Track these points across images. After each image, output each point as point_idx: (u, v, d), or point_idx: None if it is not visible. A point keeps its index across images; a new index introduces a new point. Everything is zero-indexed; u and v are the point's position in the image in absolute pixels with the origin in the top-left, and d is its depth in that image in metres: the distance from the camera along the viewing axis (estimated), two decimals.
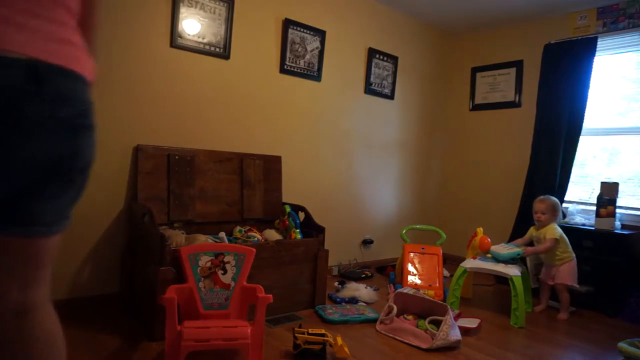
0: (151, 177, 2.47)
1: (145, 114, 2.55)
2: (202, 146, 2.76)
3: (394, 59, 3.90)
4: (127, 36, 2.45)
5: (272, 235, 2.67)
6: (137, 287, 2.27)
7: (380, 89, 3.84)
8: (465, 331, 2.37)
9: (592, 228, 3.13)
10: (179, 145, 2.64)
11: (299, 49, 3.24)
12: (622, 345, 2.12)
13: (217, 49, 2.81)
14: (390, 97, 3.94)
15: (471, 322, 2.50)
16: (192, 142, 2.72)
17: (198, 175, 2.65)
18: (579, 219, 3.31)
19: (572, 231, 3.07)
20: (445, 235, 3.27)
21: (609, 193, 3.11)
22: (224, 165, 2.77)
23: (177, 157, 2.56)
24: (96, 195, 2.37)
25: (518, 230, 3.57)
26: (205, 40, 2.75)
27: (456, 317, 2.46)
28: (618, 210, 3.10)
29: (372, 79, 3.76)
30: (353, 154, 3.73)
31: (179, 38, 2.63)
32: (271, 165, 3.00)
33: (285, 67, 3.17)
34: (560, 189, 3.50)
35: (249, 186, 2.85)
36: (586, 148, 3.60)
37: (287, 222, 2.79)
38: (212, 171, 2.72)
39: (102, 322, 2.17)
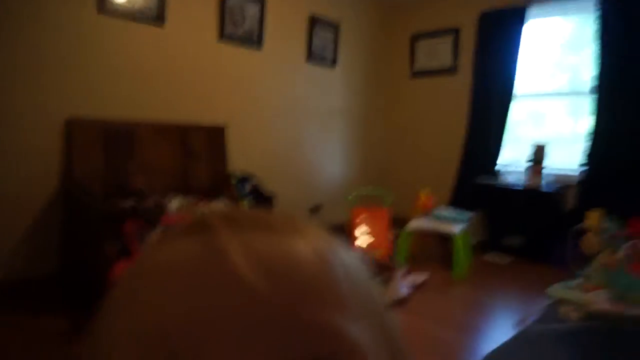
0: (86, 151, 2.33)
1: (77, 84, 2.38)
2: (142, 117, 2.62)
3: (335, 27, 3.88)
4: (52, 1, 2.25)
5: (219, 207, 2.63)
6: (77, 267, 2.17)
7: (322, 57, 3.82)
8: (412, 286, 2.50)
9: (522, 187, 3.36)
10: (116, 117, 2.50)
11: (238, 16, 3.13)
12: (551, 289, 2.32)
13: (150, 16, 2.65)
14: (332, 64, 3.94)
15: (418, 278, 2.62)
16: (130, 113, 2.58)
17: (138, 148, 2.53)
18: (511, 179, 3.54)
19: (504, 190, 3.32)
20: (391, 198, 3.37)
21: (538, 154, 3.34)
22: (165, 137, 2.67)
23: (114, 130, 2.42)
24: (27, 171, 2.21)
25: (458, 192, 3.78)
26: (136, 7, 2.58)
27: (404, 275, 2.57)
28: (546, 170, 3.34)
29: (313, 47, 3.73)
30: (298, 122, 3.71)
31: (107, 3, 2.45)
32: (215, 135, 2.93)
33: (224, 34, 3.06)
34: (494, 152, 3.71)
35: (193, 157, 2.77)
36: (518, 112, 3.80)
37: (234, 193, 2.75)
38: (154, 144, 2.61)
39: (41, 304, 2.06)
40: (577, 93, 3.50)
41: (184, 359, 0.20)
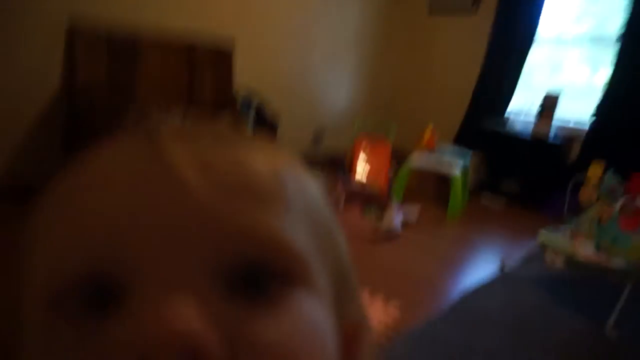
0: (89, 59, 2.27)
1: None
2: (146, 22, 2.51)
3: None
4: None
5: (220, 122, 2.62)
6: None
7: None
8: (405, 220, 2.55)
9: (528, 136, 3.30)
10: (118, 21, 2.39)
11: None
12: (540, 234, 2.35)
13: None
14: None
15: (412, 210, 2.66)
16: (134, 17, 2.47)
17: (143, 60, 2.46)
18: (518, 126, 3.47)
19: (509, 137, 3.27)
20: (395, 131, 3.33)
21: (548, 103, 3.25)
22: (171, 50, 2.59)
23: (118, 39, 2.35)
24: (27, 77, 2.16)
25: (463, 133, 3.74)
26: None
27: (399, 208, 2.62)
28: (555, 121, 3.27)
29: None
30: (310, 44, 3.60)
31: None
32: (223, 49, 2.83)
33: None
34: (505, 97, 3.62)
35: (198, 72, 2.70)
36: (535, 57, 3.64)
37: (237, 113, 2.73)
38: (159, 56, 2.54)
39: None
40: (598, 41, 3.33)
41: (105, 253, 0.19)
